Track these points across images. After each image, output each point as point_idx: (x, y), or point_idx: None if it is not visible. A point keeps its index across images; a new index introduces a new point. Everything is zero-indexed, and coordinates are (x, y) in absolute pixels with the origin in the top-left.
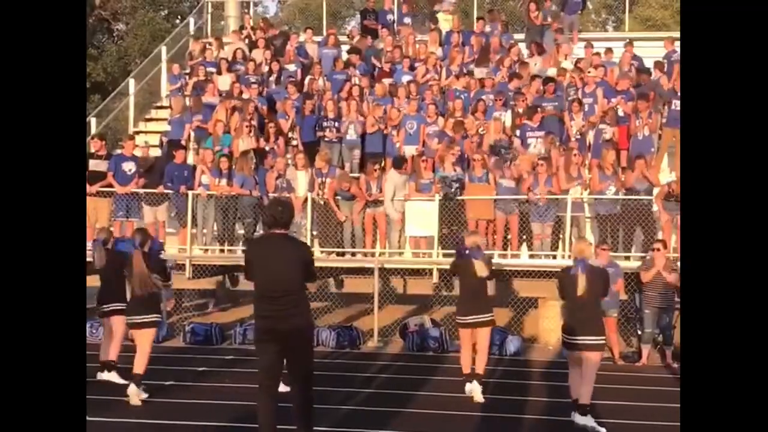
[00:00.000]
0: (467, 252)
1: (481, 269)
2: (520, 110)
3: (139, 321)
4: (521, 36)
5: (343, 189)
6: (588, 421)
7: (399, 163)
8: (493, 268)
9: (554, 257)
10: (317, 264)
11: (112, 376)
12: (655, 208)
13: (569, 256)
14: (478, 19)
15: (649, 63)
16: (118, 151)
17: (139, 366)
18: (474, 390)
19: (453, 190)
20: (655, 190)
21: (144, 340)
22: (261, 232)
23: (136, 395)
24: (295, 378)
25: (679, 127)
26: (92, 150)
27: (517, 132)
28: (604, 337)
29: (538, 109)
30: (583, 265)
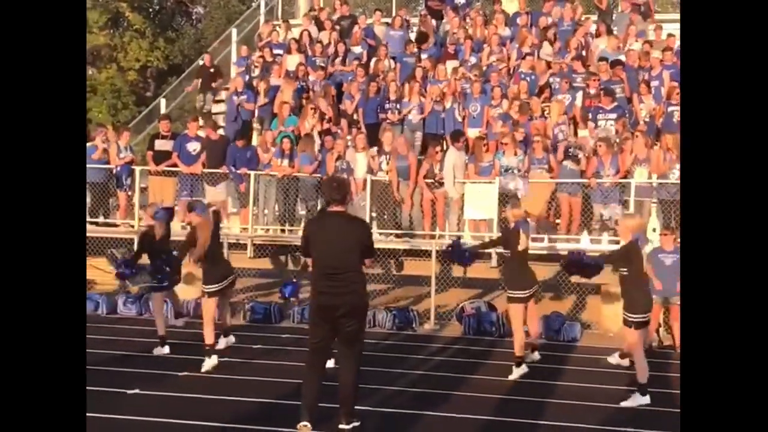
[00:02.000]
0: (514, 224)
1: (523, 241)
2: (592, 91)
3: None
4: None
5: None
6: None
7: (456, 136)
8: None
9: (617, 242)
10: (377, 246)
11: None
12: None
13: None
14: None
15: None
16: (184, 131)
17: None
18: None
19: (512, 189)
20: None
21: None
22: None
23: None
24: (344, 356)
25: None
26: (159, 130)
27: (589, 114)
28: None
29: (605, 91)
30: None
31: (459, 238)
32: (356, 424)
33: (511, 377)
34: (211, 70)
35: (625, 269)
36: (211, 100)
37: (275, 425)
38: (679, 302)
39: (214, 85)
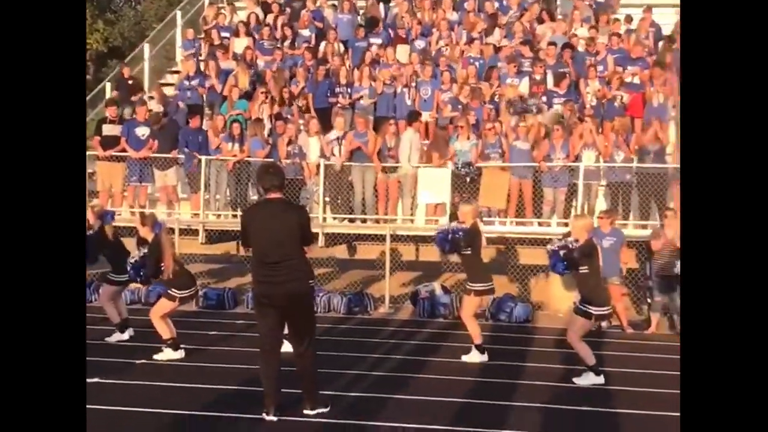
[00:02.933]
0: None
1: (483, 239)
2: (538, 77)
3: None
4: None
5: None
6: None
7: (413, 117)
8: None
9: (566, 225)
10: (330, 230)
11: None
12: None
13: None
14: None
15: (669, 31)
16: (132, 117)
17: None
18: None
19: (465, 172)
20: (668, 158)
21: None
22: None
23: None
24: (297, 342)
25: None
26: (106, 115)
27: (543, 98)
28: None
29: (566, 75)
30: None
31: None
32: (323, 410)
33: (466, 358)
34: (129, 81)
35: (586, 267)
36: (129, 114)
37: (239, 412)
38: (617, 282)
39: (133, 98)
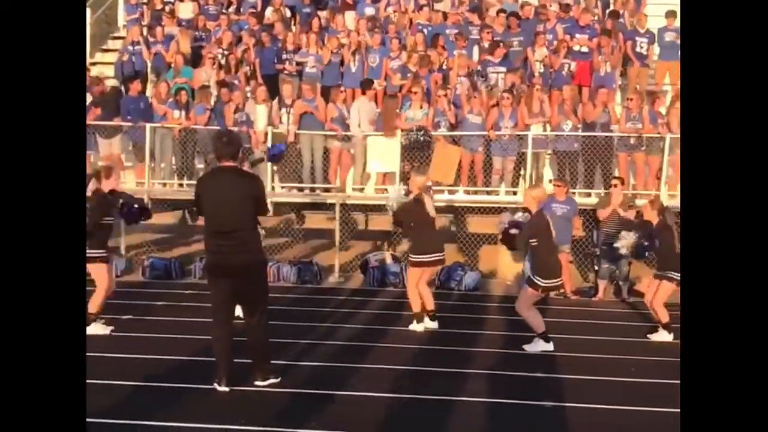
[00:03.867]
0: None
1: (431, 209)
2: (486, 44)
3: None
4: None
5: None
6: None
7: (366, 85)
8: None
9: (514, 194)
10: (278, 200)
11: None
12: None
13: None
14: None
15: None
16: None
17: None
18: (429, 325)
19: (419, 138)
20: (614, 127)
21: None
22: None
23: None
24: (249, 313)
25: (641, 64)
26: None
27: (479, 67)
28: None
29: (500, 44)
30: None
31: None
32: (274, 380)
33: (412, 328)
34: None
35: (535, 240)
36: None
37: (191, 382)
38: (568, 250)
39: None
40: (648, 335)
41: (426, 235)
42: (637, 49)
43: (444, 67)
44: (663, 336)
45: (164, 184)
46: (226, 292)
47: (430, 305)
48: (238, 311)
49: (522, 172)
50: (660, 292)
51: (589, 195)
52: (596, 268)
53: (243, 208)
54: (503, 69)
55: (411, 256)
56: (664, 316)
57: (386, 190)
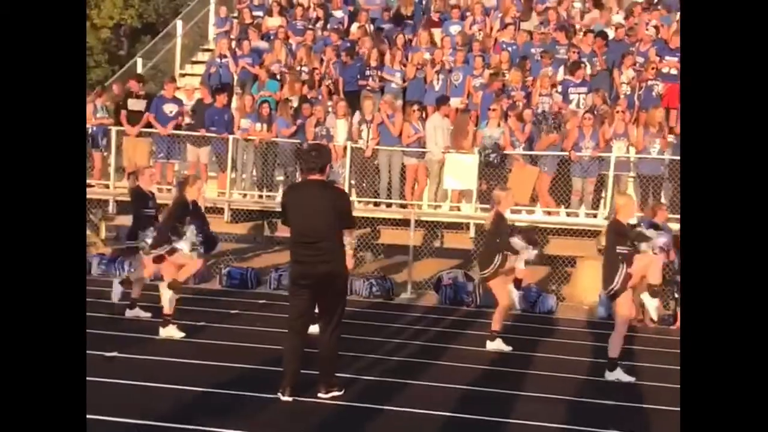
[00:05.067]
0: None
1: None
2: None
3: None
4: None
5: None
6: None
7: (441, 101)
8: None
9: (595, 216)
10: (354, 214)
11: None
12: None
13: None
14: None
15: None
16: (161, 93)
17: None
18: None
19: (492, 158)
20: None
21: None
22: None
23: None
24: (325, 324)
25: None
26: (131, 90)
27: (559, 88)
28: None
29: (581, 64)
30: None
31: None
32: (337, 393)
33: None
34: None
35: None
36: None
37: (256, 391)
38: None
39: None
40: None
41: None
42: None
43: (527, 86)
44: None
45: (244, 195)
46: (306, 302)
47: (497, 324)
48: (313, 328)
49: (602, 195)
50: None
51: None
52: (676, 295)
53: (328, 219)
54: (584, 89)
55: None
56: None
57: (459, 208)
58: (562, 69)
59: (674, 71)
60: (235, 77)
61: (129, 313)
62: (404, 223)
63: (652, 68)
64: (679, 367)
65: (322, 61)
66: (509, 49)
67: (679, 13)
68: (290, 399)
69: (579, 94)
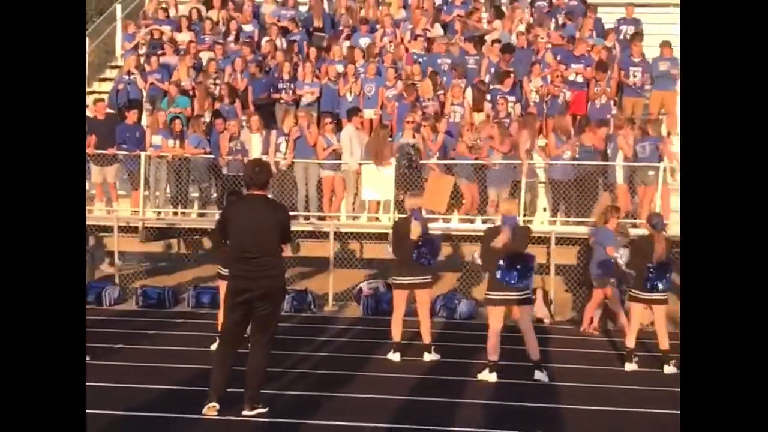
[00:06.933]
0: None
1: (415, 230)
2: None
3: None
4: None
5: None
6: (543, 376)
7: (352, 113)
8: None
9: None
10: None
11: None
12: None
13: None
14: None
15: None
16: None
17: None
18: (429, 357)
19: (411, 160)
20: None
21: None
22: (215, 195)
23: None
24: (256, 341)
25: (638, 96)
26: None
27: (488, 96)
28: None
29: (510, 74)
30: (511, 222)
31: None
32: (262, 410)
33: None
34: None
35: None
36: None
37: (179, 411)
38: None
39: None
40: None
41: (406, 256)
42: (631, 79)
43: (438, 96)
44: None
45: (158, 213)
46: (241, 317)
47: (427, 337)
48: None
49: (516, 201)
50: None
51: (581, 224)
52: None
53: (270, 234)
54: (513, 98)
55: (393, 278)
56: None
57: (378, 218)
58: (488, 77)
59: (580, 79)
60: (144, 93)
61: None
62: (323, 235)
63: (557, 76)
64: (599, 367)
65: (231, 74)
66: (420, 60)
67: (582, 20)
68: (215, 414)
69: (508, 102)
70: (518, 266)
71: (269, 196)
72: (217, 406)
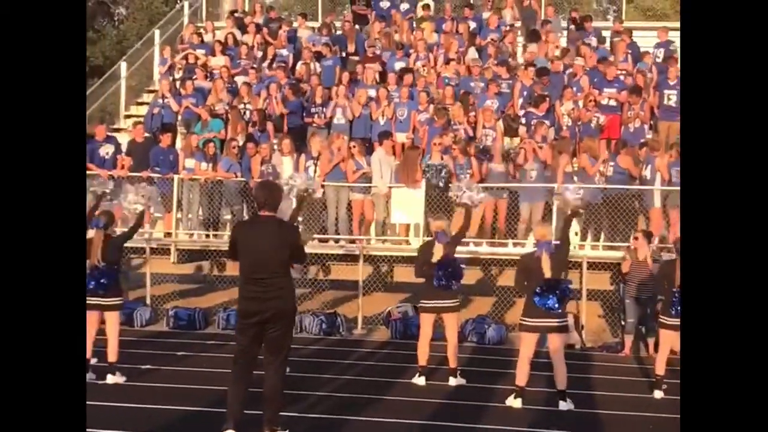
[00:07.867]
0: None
1: (437, 253)
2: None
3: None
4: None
5: None
6: (568, 405)
7: (383, 137)
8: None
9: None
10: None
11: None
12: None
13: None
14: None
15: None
16: (91, 137)
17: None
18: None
19: (440, 181)
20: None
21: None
22: (246, 218)
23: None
24: (269, 362)
25: (675, 120)
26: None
27: (523, 120)
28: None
29: (546, 98)
30: (547, 247)
31: None
32: None
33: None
34: None
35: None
36: None
37: None
38: None
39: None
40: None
41: (431, 280)
42: (666, 101)
43: (469, 120)
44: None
45: (190, 235)
46: (253, 339)
47: (453, 361)
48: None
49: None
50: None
51: (612, 248)
52: (622, 323)
53: (280, 255)
54: (548, 122)
55: (420, 301)
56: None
57: (408, 241)
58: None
59: (613, 103)
60: (179, 117)
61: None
62: (354, 258)
63: (590, 100)
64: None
65: (266, 99)
66: (452, 83)
67: (609, 43)
68: None
69: (542, 125)
70: (557, 291)
71: (299, 219)
72: None
